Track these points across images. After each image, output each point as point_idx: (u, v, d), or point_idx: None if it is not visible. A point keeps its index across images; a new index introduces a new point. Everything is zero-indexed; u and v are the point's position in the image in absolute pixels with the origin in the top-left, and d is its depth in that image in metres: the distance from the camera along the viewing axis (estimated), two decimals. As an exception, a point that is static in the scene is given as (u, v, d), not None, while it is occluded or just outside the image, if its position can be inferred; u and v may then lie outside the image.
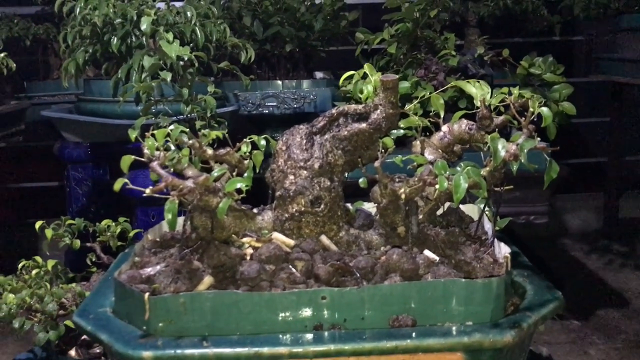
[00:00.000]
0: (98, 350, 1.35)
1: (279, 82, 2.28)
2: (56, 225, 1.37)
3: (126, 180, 0.77)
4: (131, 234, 1.39)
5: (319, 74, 2.47)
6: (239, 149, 0.93)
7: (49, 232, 1.33)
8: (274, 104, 2.21)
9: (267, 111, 2.22)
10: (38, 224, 1.33)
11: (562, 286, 0.89)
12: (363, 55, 1.98)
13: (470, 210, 1.07)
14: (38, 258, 1.34)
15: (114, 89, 1.65)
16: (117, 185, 0.77)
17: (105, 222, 1.41)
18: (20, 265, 1.32)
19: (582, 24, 2.99)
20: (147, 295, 0.77)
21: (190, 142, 0.86)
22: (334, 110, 0.96)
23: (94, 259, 1.41)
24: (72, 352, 1.35)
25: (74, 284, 1.32)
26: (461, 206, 1.05)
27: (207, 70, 1.67)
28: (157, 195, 0.77)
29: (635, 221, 3.16)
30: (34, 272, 1.31)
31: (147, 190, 0.73)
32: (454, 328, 0.78)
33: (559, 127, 1.03)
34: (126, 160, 0.84)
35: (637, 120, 3.13)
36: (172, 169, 0.85)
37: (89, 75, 2.10)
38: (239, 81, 1.87)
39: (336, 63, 2.39)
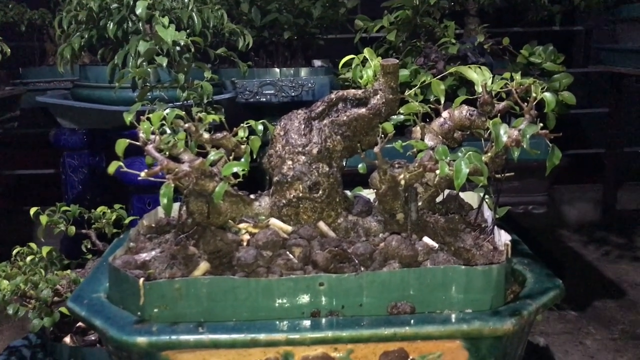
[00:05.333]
0: (93, 337, 1.34)
1: (277, 69, 2.26)
2: (51, 211, 1.36)
3: (121, 163, 0.76)
4: (127, 221, 1.38)
5: (317, 62, 2.45)
6: (236, 133, 0.91)
7: (43, 219, 1.32)
8: (272, 92, 2.19)
9: (264, 99, 2.20)
10: (33, 210, 1.31)
11: (559, 277, 0.88)
12: (362, 43, 1.96)
13: (470, 198, 1.06)
14: (33, 245, 1.33)
15: (111, 74, 1.63)
16: (112, 168, 0.75)
17: (100, 209, 1.40)
18: (14, 252, 1.31)
19: (582, 14, 2.97)
20: (142, 280, 0.76)
21: (187, 125, 0.84)
22: (332, 95, 0.95)
23: (89, 246, 1.40)
24: (67, 339, 1.34)
25: (68, 271, 1.31)
26: (461, 194, 1.04)
27: (204, 57, 1.65)
28: (153, 179, 0.75)
29: (633, 213, 3.16)
30: (28, 258, 1.30)
31: (142, 174, 0.71)
32: (453, 315, 0.77)
33: (558, 117, 1.02)
34: (121, 144, 0.83)
35: (636, 111, 3.12)
36: (167, 153, 0.83)
37: (84, 62, 2.08)
38: (236, 69, 1.85)
39: (335, 51, 2.36)
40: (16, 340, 1.46)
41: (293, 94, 2.19)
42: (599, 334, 2.08)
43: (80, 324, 1.36)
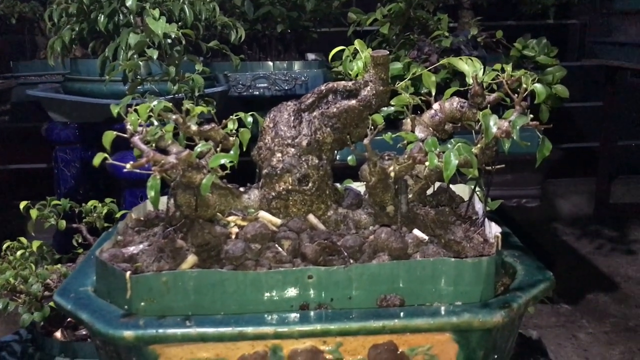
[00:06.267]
0: (84, 332, 1.33)
1: (270, 63, 2.25)
2: (41, 205, 1.35)
3: (106, 155, 0.75)
4: (118, 215, 1.37)
5: (310, 56, 2.44)
6: (225, 125, 0.90)
7: (33, 213, 1.30)
8: (265, 85, 2.18)
9: (257, 92, 2.19)
10: (23, 204, 1.30)
11: (552, 270, 0.88)
12: (355, 36, 1.95)
13: (461, 190, 1.06)
14: (23, 239, 1.32)
15: (101, 68, 1.62)
16: (97, 160, 0.74)
17: (91, 203, 1.39)
18: (4, 246, 1.30)
19: (576, 7, 2.96)
20: (128, 273, 0.75)
21: (174, 117, 0.84)
22: (322, 87, 0.94)
23: (80, 240, 1.39)
24: (58, 334, 1.33)
25: (59, 265, 1.30)
26: (452, 186, 1.03)
27: (196, 50, 1.64)
28: (143, 172, 0.75)
29: (626, 206, 3.17)
30: (18, 253, 1.29)
31: (128, 166, 0.70)
32: (442, 308, 0.77)
33: (551, 110, 1.01)
34: (108, 136, 0.82)
35: (629, 105, 3.13)
36: (153, 145, 0.82)
37: (76, 55, 2.07)
38: (229, 62, 1.84)
39: (328, 44, 2.35)
40: (6, 336, 1.45)
41: (286, 88, 2.18)
42: (592, 327, 2.09)
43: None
